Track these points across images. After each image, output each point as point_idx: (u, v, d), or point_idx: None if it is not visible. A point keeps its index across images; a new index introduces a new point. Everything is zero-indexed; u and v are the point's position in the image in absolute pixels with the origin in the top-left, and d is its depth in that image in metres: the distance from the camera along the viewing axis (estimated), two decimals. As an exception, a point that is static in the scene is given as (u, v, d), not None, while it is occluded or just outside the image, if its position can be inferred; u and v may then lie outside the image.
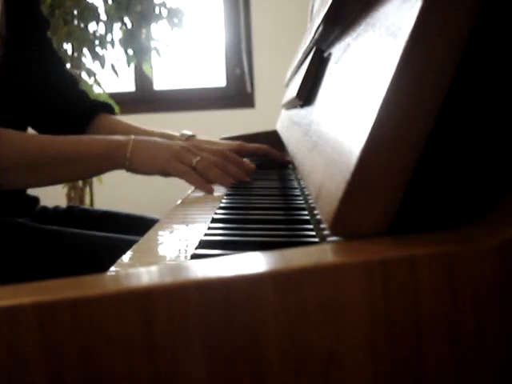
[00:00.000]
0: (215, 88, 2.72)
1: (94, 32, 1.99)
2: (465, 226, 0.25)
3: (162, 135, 0.95)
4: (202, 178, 0.72)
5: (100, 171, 0.80)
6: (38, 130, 0.99)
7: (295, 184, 0.76)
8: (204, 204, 0.66)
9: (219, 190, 0.74)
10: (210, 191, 0.72)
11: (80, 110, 0.98)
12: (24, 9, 0.91)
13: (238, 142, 0.98)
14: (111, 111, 1.03)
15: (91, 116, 0.99)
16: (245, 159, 0.91)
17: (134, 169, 0.75)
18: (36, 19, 0.95)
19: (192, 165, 0.73)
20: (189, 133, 0.99)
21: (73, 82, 1.02)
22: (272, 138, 1.21)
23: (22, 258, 0.77)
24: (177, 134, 0.98)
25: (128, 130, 0.97)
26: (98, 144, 0.76)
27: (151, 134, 0.96)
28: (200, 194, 0.73)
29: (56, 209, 1.01)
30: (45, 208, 1.00)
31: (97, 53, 1.98)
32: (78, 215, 1.00)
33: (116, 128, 0.98)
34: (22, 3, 0.90)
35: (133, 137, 0.76)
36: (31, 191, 0.98)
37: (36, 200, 0.98)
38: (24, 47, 0.89)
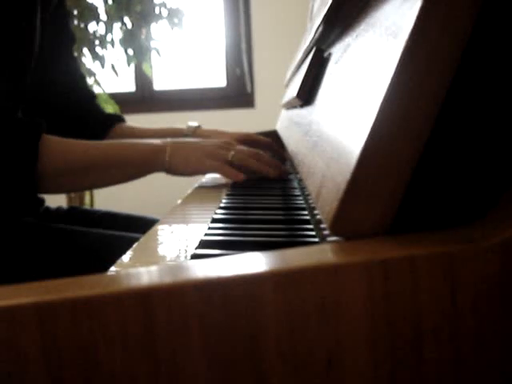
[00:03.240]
0: (215, 88, 2.72)
1: (94, 32, 1.99)
2: (465, 225, 0.25)
3: (174, 132, 1.02)
4: (235, 170, 0.77)
5: (140, 176, 0.83)
6: None
7: (295, 184, 0.76)
8: (204, 204, 0.66)
9: (219, 190, 0.74)
10: (240, 178, 0.76)
11: (98, 123, 1.02)
12: (57, 26, 0.93)
13: (244, 132, 1.01)
14: (123, 121, 1.08)
15: (108, 127, 1.04)
16: None
17: (172, 171, 0.78)
18: (67, 36, 0.98)
19: (228, 160, 0.77)
20: (195, 124, 1.03)
21: (92, 96, 1.07)
22: (272, 138, 1.21)
23: (30, 255, 0.77)
24: (184, 127, 1.03)
25: (144, 133, 1.04)
26: (139, 150, 0.78)
27: (162, 131, 1.02)
28: (199, 194, 0.73)
29: (58, 209, 1.01)
30: (47, 208, 1.00)
31: (97, 53, 1.98)
32: (79, 215, 1.00)
33: (132, 134, 1.03)
34: (56, 20, 0.92)
35: (169, 140, 0.79)
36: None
37: (42, 201, 0.99)
38: (52, 61, 0.92)
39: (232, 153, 0.77)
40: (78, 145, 0.77)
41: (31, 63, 0.84)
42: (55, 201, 1.13)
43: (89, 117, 1.03)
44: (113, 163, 0.77)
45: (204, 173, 0.79)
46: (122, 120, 1.07)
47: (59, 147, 0.75)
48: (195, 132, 1.01)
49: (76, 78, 1.03)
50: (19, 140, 0.71)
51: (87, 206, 2.03)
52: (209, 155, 0.77)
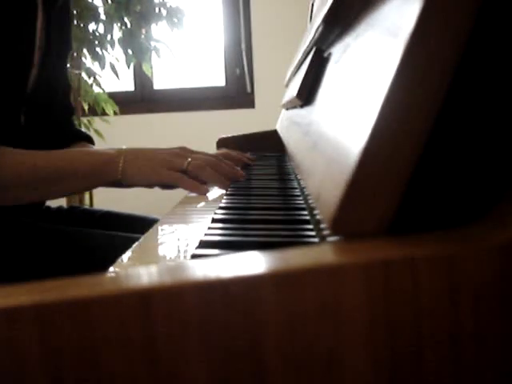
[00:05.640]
0: (215, 88, 2.72)
1: (94, 32, 1.99)
2: (465, 226, 0.25)
3: None
4: (196, 181, 0.72)
5: (94, 186, 0.81)
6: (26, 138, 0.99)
7: (295, 184, 0.76)
8: (204, 204, 0.66)
9: (219, 190, 0.74)
10: (204, 192, 0.71)
11: (66, 134, 1.02)
12: (60, 28, 0.93)
13: (220, 152, 0.97)
14: (91, 142, 1.06)
15: (72, 141, 1.02)
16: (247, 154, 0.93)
17: (126, 182, 0.75)
18: (68, 43, 0.97)
19: (183, 167, 0.72)
20: None
21: (72, 109, 1.08)
22: (272, 138, 1.21)
23: (27, 256, 0.77)
24: None
25: None
26: (89, 160, 0.76)
27: None
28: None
29: (59, 209, 1.02)
30: (48, 208, 1.00)
31: (96, 53, 1.98)
32: (79, 215, 1.00)
33: None
34: (60, 24, 0.92)
35: (124, 147, 0.76)
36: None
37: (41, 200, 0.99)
38: (56, 63, 0.92)
39: (188, 160, 0.73)
40: (29, 158, 0.76)
41: (31, 64, 0.83)
42: (53, 200, 1.13)
43: (61, 126, 1.01)
44: (62, 175, 0.75)
45: (162, 183, 0.75)
46: (89, 140, 1.05)
47: (8, 161, 0.74)
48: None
49: (65, 86, 1.03)
50: None
51: (86, 205, 2.03)
52: (164, 164, 0.73)
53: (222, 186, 0.73)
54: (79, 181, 0.76)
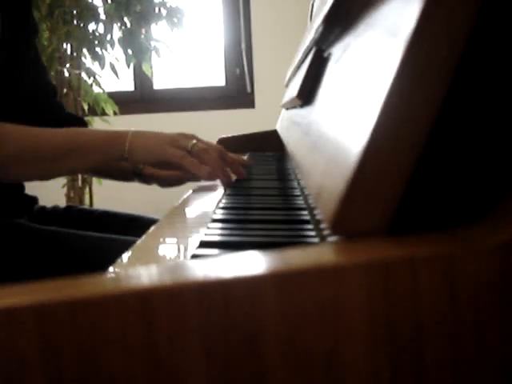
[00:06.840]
0: (215, 88, 2.72)
1: (94, 32, 1.99)
2: (465, 226, 0.25)
3: None
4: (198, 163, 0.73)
5: (99, 163, 0.80)
6: None
7: (295, 184, 0.76)
8: (204, 204, 0.66)
9: (219, 190, 0.74)
10: (205, 173, 0.72)
11: (56, 119, 0.99)
12: (18, 10, 0.90)
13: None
14: (84, 125, 1.04)
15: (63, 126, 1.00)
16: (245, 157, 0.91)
17: (133, 159, 0.76)
18: (29, 23, 0.95)
19: (188, 148, 0.74)
20: None
21: (54, 91, 1.04)
22: (272, 138, 1.21)
23: (18, 258, 0.77)
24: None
25: None
26: (96, 136, 0.77)
27: None
28: (199, 194, 0.73)
29: (54, 208, 1.01)
30: (43, 208, 0.99)
31: (96, 53, 1.98)
32: (76, 215, 1.00)
33: None
34: (17, 4, 0.90)
35: (132, 129, 0.77)
36: (30, 191, 0.98)
37: (34, 199, 0.98)
38: (19, 50, 0.89)
39: (193, 141, 0.75)
40: (33, 133, 0.76)
41: None
42: (53, 200, 1.13)
43: (47, 112, 0.99)
44: (69, 151, 0.75)
45: (166, 161, 0.76)
46: (82, 123, 1.03)
47: (12, 135, 0.74)
48: None
49: (39, 69, 0.99)
50: None
51: (86, 205, 2.03)
52: (170, 142, 0.75)
53: (220, 175, 0.74)
54: (87, 156, 0.76)
